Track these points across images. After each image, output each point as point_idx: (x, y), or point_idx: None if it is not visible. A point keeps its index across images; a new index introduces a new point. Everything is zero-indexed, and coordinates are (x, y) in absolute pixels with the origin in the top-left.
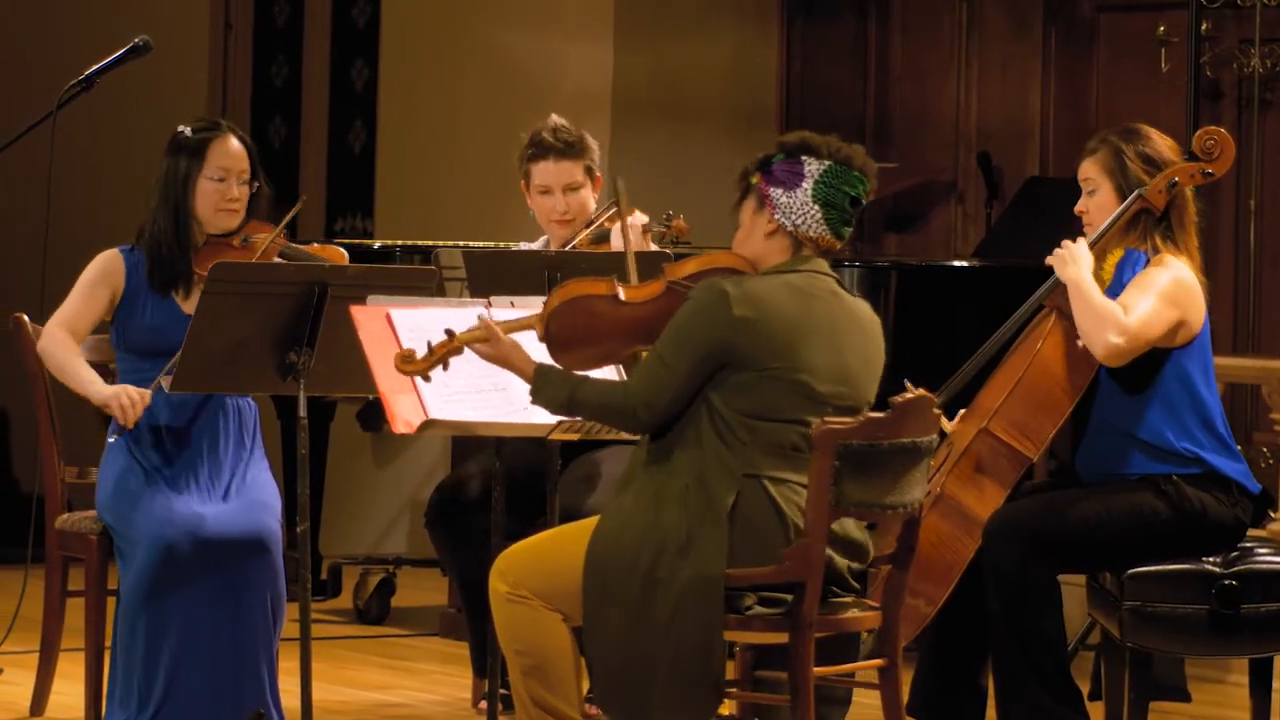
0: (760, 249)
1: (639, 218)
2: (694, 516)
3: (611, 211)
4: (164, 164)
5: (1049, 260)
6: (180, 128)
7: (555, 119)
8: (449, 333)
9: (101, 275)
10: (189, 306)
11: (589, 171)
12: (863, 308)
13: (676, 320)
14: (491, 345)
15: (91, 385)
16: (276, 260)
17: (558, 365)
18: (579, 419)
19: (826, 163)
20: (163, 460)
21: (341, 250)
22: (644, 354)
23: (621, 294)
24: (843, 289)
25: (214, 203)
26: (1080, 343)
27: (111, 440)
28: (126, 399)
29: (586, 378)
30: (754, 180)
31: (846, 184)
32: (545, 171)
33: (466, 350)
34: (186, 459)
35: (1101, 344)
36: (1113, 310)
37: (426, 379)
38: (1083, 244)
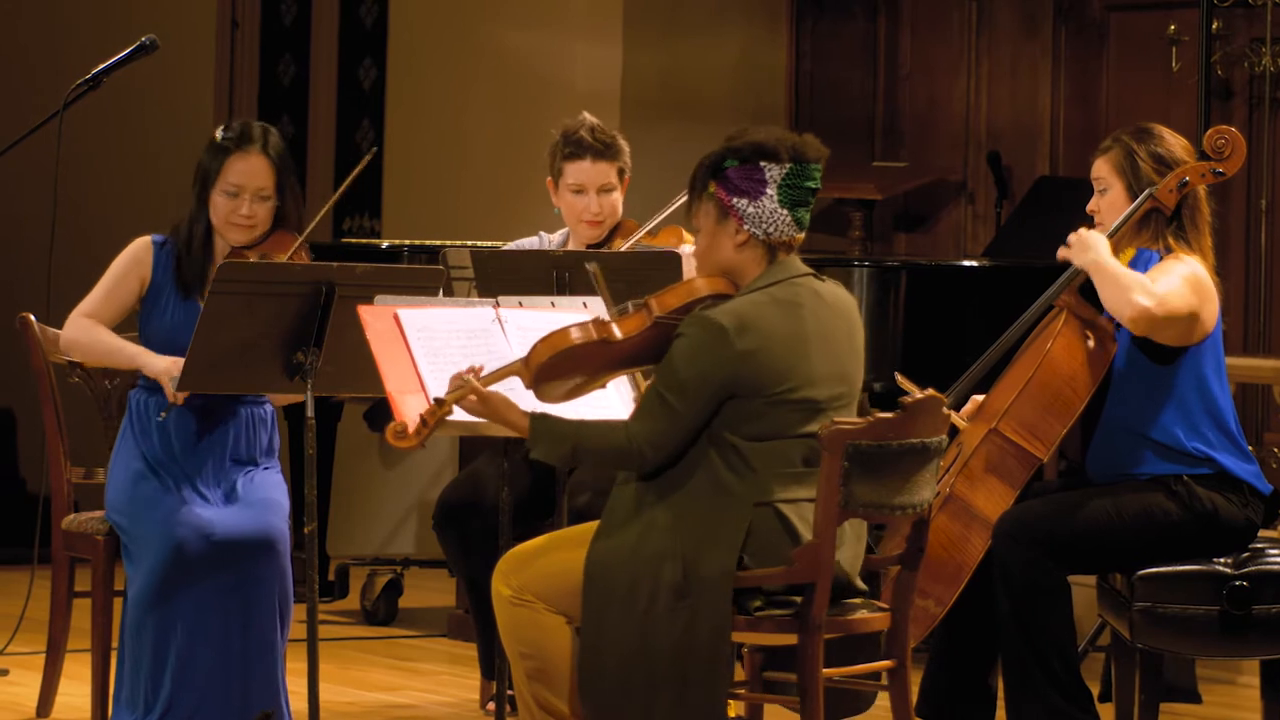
0: (734, 261)
1: (690, 247)
2: (696, 547)
3: (654, 225)
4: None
5: (1061, 254)
6: (218, 129)
7: (589, 117)
8: (437, 400)
9: (132, 264)
10: None
11: (621, 173)
12: (837, 294)
13: (676, 360)
14: (480, 403)
15: (141, 356)
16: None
17: (549, 412)
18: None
19: (787, 165)
20: (171, 460)
21: None
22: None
23: (615, 333)
24: (817, 279)
25: (223, 216)
26: (1090, 343)
27: (159, 419)
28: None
29: (584, 424)
30: (710, 189)
31: (808, 180)
32: (582, 171)
33: (469, 351)
34: (196, 460)
35: (1130, 306)
36: (1140, 278)
37: (423, 447)
38: (1096, 231)
